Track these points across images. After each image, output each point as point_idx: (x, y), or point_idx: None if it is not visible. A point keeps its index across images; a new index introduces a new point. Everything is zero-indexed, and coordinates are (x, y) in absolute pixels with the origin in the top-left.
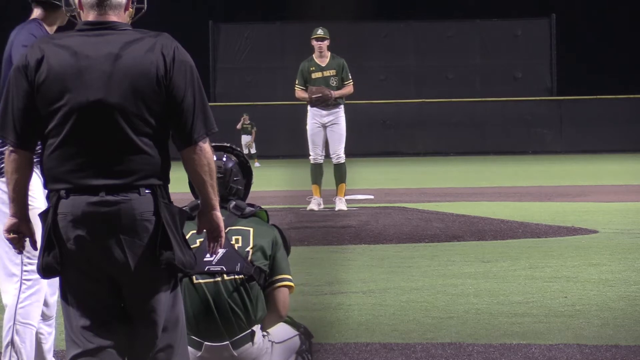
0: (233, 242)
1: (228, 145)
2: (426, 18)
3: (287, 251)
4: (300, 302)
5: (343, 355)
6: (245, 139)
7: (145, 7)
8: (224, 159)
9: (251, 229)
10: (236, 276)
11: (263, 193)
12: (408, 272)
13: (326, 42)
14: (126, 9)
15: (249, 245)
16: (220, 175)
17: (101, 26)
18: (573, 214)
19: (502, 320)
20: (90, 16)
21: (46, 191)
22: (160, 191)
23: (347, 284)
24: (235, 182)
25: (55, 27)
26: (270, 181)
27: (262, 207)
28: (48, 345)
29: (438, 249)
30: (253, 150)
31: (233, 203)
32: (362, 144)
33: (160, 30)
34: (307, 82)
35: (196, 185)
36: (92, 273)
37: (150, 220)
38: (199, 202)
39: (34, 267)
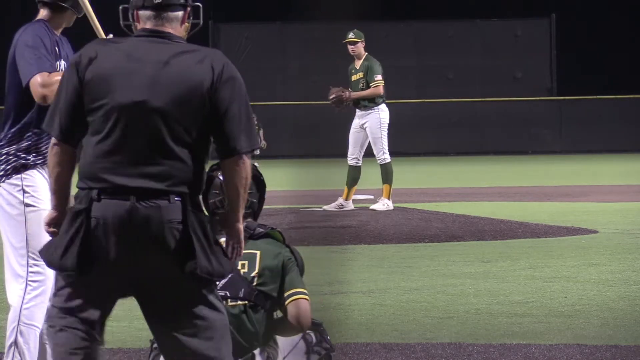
0: (239, 267)
1: None
2: (426, 18)
3: (301, 270)
4: None
5: (343, 355)
6: None
7: (201, 23)
8: None
9: (258, 252)
10: (239, 302)
11: None
12: (408, 272)
13: (358, 45)
14: (182, 22)
15: (254, 270)
16: None
17: (157, 34)
18: (573, 214)
19: (502, 320)
20: (147, 25)
21: (77, 189)
22: (191, 200)
23: (347, 284)
24: (250, 196)
25: (61, 29)
26: (269, 181)
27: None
28: None
29: (438, 249)
30: (256, 152)
31: (244, 224)
32: None
33: None
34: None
35: (230, 195)
36: (111, 279)
37: (178, 228)
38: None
39: (40, 269)
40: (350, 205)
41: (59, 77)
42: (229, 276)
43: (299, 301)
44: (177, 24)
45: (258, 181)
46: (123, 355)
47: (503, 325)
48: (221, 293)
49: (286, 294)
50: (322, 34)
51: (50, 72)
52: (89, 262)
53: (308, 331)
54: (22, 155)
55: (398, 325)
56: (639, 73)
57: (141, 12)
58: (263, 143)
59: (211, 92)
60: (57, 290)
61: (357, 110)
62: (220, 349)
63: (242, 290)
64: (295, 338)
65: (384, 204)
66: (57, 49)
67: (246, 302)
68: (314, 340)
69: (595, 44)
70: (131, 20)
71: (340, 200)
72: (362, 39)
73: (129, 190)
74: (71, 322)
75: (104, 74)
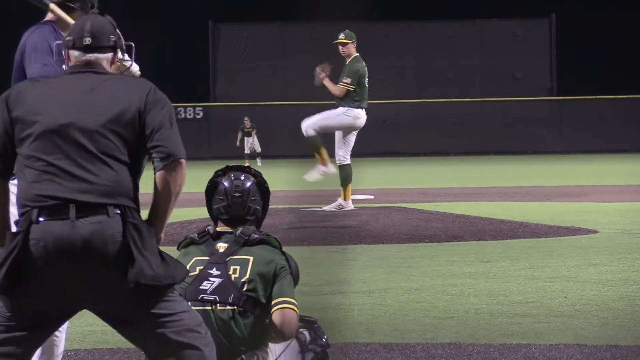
0: (231, 272)
1: (246, 165)
2: (426, 18)
3: (295, 280)
4: (300, 302)
5: (343, 355)
6: (248, 141)
7: (132, 62)
8: (242, 178)
9: (251, 258)
10: (228, 307)
11: None
12: (408, 272)
13: (348, 46)
14: (112, 63)
15: (245, 275)
16: (238, 195)
17: (84, 68)
18: (573, 214)
19: (502, 320)
20: (76, 62)
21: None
22: (130, 212)
23: (347, 284)
24: (253, 202)
25: (69, 29)
26: (269, 181)
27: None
28: (60, 349)
29: (438, 249)
30: (258, 150)
31: (240, 229)
32: (362, 144)
33: (160, 30)
34: None
35: (161, 203)
36: (51, 298)
37: (120, 241)
38: (208, 227)
39: None
40: (350, 206)
41: None
42: (220, 281)
43: (285, 310)
44: (106, 64)
45: (262, 188)
46: (123, 355)
47: (503, 325)
48: (210, 297)
49: (273, 302)
50: (322, 34)
51: None
52: (19, 283)
53: (301, 330)
54: None
55: (398, 325)
56: (639, 73)
57: (71, 52)
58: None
59: (141, 112)
60: None
61: None
62: (197, 339)
63: (232, 295)
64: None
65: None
66: (63, 51)
67: (235, 307)
68: (308, 338)
69: (595, 44)
70: (64, 56)
71: (340, 200)
72: (353, 40)
73: (67, 205)
74: None
75: (32, 104)
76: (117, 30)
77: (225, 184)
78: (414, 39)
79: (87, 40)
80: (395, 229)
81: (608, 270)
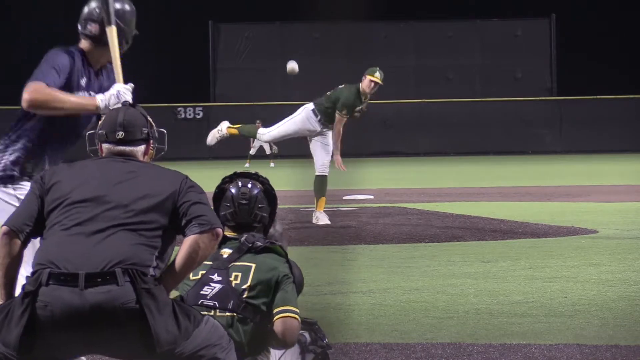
0: (232, 278)
1: (254, 172)
2: (426, 18)
3: (299, 288)
4: (300, 303)
5: (343, 355)
6: (257, 143)
7: (166, 148)
8: (249, 186)
9: (253, 265)
10: (227, 313)
11: None
12: (408, 272)
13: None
14: (145, 153)
15: (246, 282)
16: (245, 202)
17: (121, 155)
18: (573, 214)
19: (502, 320)
20: (110, 153)
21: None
22: (140, 277)
23: (347, 284)
24: (260, 210)
25: (99, 65)
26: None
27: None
28: None
29: (438, 249)
30: (275, 150)
31: (244, 236)
32: (362, 144)
33: (160, 30)
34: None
35: (184, 264)
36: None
37: (134, 308)
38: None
39: None
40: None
41: (58, 94)
42: (220, 287)
43: (287, 319)
44: (140, 156)
45: (269, 196)
46: None
47: (503, 325)
48: (210, 303)
49: (275, 310)
50: (322, 34)
51: (49, 85)
52: (30, 344)
53: (302, 332)
54: (14, 164)
55: (398, 325)
56: (639, 73)
57: (105, 145)
58: (275, 149)
59: (177, 196)
60: None
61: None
62: (218, 351)
63: (231, 302)
64: None
65: (315, 217)
66: (81, 80)
67: (234, 314)
68: (308, 339)
69: (595, 44)
70: (97, 146)
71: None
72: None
73: (77, 273)
74: None
75: (67, 180)
76: (149, 119)
77: (233, 190)
78: (414, 39)
79: (120, 135)
80: (395, 229)
81: (608, 270)
